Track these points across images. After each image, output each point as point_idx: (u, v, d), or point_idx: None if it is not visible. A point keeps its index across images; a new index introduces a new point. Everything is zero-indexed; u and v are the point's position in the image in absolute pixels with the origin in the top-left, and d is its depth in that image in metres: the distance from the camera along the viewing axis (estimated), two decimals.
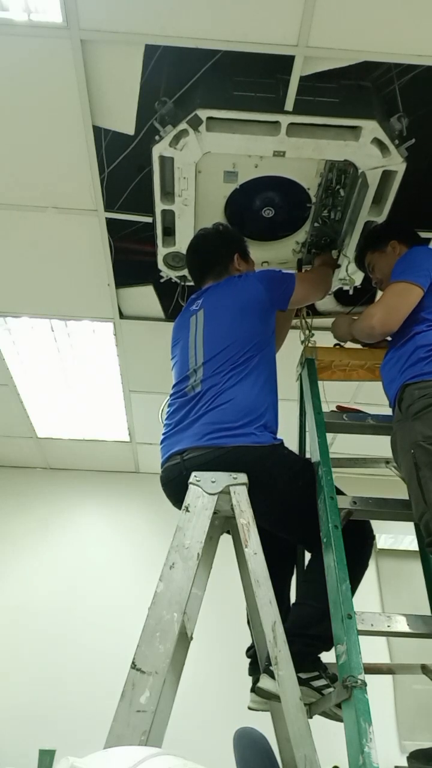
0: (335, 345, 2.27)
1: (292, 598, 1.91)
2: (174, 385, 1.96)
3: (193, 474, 1.67)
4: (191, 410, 1.82)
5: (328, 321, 2.36)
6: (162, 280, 2.59)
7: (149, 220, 2.42)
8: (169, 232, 2.34)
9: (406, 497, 1.88)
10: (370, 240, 2.22)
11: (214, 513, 1.63)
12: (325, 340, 2.27)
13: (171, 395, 1.95)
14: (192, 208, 2.22)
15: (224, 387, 1.79)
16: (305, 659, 1.58)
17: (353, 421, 2.05)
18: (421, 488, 1.54)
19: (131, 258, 2.66)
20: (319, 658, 1.64)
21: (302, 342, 2.27)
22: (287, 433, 1.91)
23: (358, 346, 2.23)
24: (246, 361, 1.83)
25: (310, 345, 2.24)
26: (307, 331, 2.29)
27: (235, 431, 1.72)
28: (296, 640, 1.56)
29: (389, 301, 1.87)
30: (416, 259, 1.92)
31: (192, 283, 2.52)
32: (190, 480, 1.66)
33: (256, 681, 1.65)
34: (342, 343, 2.26)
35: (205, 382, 1.83)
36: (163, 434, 1.88)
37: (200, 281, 2.17)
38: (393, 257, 2.05)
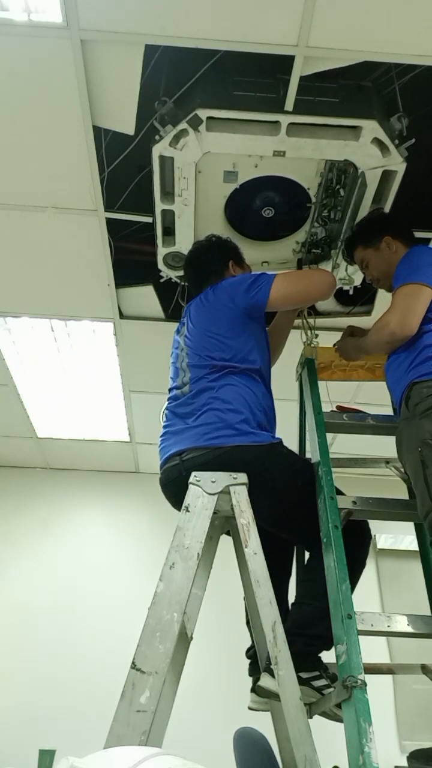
0: (335, 345, 2.27)
1: (291, 598, 1.91)
2: (170, 389, 1.97)
3: (193, 474, 1.67)
4: (188, 412, 1.83)
5: (328, 321, 2.36)
6: (162, 280, 2.59)
7: (149, 220, 2.42)
8: (169, 232, 2.34)
9: (406, 497, 1.89)
10: (361, 234, 2.15)
11: (214, 513, 1.63)
12: (325, 339, 2.27)
13: (168, 398, 1.96)
14: (192, 207, 2.22)
15: (218, 388, 1.80)
16: (306, 659, 1.58)
17: (353, 421, 2.05)
18: (427, 486, 1.54)
19: (131, 258, 2.66)
20: (320, 658, 1.64)
21: (305, 343, 2.26)
22: (287, 433, 1.92)
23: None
24: (231, 366, 1.83)
25: (310, 345, 2.24)
26: (309, 332, 2.28)
27: (233, 431, 1.72)
28: (296, 639, 1.55)
29: (403, 304, 1.81)
30: (421, 260, 1.89)
31: None
32: (190, 480, 1.66)
33: (256, 681, 1.65)
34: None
35: (196, 384, 1.85)
36: (161, 436, 1.89)
37: (199, 292, 2.17)
38: (389, 254, 2.02)
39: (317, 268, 2.29)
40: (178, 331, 2.09)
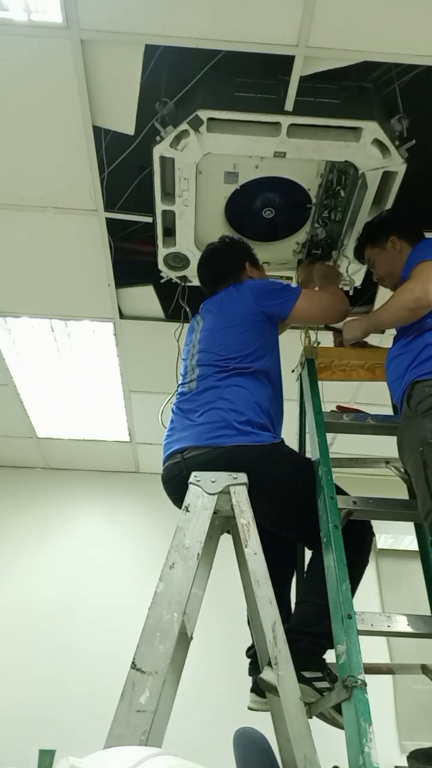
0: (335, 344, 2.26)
1: (292, 598, 1.91)
2: (179, 384, 2.00)
3: (193, 474, 1.68)
4: (193, 408, 1.84)
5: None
6: (162, 281, 2.59)
7: (149, 220, 2.42)
8: (170, 232, 2.34)
9: (407, 497, 1.88)
10: (369, 234, 2.16)
11: (214, 513, 1.63)
12: (325, 339, 2.27)
13: (177, 394, 1.98)
14: (192, 208, 2.22)
15: (224, 388, 1.81)
16: (310, 657, 1.58)
17: (353, 421, 2.04)
18: (428, 486, 1.53)
19: (131, 258, 2.67)
20: (324, 659, 1.63)
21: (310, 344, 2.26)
22: (287, 433, 1.92)
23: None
24: (243, 367, 1.85)
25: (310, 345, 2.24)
26: (309, 332, 2.27)
27: (234, 431, 1.72)
28: (302, 638, 1.56)
29: (426, 274, 1.79)
30: None
31: (192, 283, 2.53)
32: (190, 480, 1.67)
33: (256, 681, 1.64)
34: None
35: (204, 381, 1.86)
36: (167, 432, 1.90)
37: (214, 293, 2.16)
38: (394, 254, 2.03)
39: (339, 290, 2.24)
40: (191, 330, 2.12)
